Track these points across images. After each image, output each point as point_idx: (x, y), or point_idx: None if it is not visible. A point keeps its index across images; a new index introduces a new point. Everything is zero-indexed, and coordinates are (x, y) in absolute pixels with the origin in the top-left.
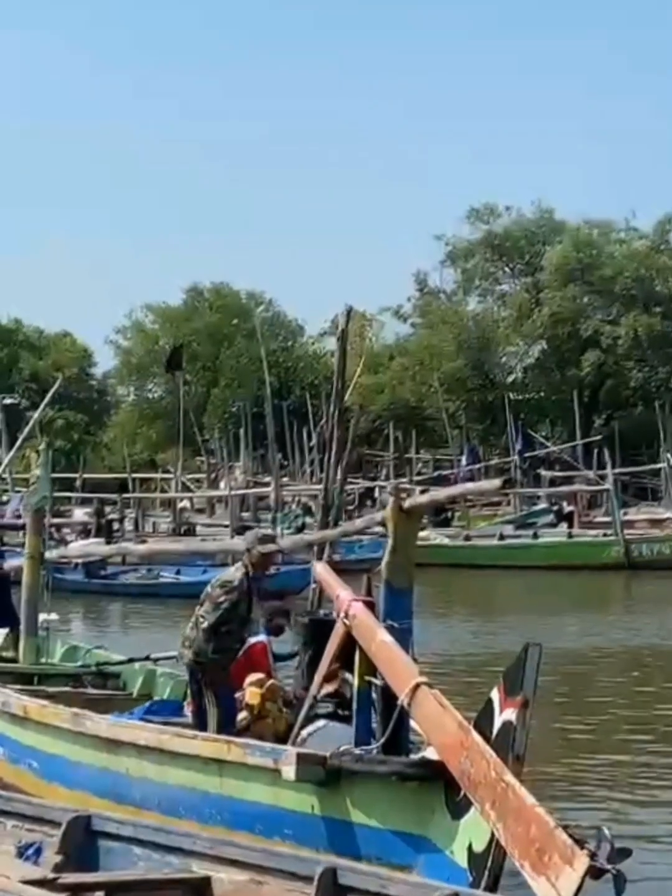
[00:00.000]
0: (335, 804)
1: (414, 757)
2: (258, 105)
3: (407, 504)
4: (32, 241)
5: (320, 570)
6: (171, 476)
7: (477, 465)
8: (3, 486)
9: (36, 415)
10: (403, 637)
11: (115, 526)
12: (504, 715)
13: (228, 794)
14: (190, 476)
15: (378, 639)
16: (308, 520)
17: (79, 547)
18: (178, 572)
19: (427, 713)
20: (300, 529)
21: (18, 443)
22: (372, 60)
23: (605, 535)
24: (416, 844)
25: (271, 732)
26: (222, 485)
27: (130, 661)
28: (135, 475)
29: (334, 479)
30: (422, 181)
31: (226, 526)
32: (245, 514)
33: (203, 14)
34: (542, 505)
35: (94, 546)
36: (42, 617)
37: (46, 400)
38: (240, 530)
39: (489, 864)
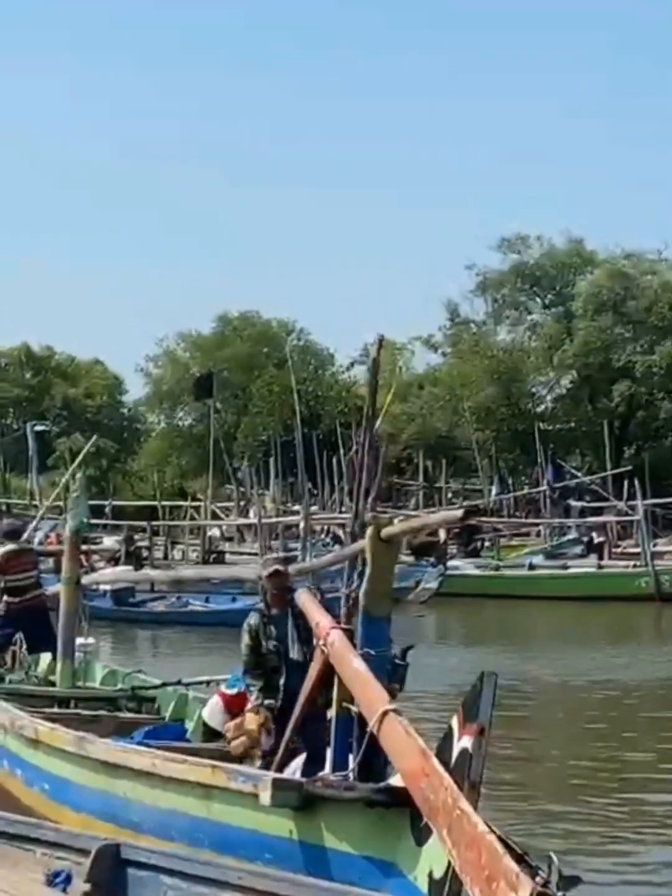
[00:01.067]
0: (310, 830)
1: (383, 783)
2: (290, 136)
3: (384, 533)
4: (64, 269)
5: (303, 597)
6: (200, 504)
7: (506, 495)
8: (33, 513)
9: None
10: (380, 665)
11: (144, 554)
12: (462, 742)
13: (215, 818)
14: (219, 504)
15: (352, 666)
16: (337, 548)
17: (112, 573)
18: (206, 600)
19: (393, 740)
20: None
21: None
22: (403, 86)
23: (635, 565)
24: (384, 870)
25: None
26: (252, 513)
27: (164, 685)
28: (164, 503)
29: (363, 508)
30: (453, 210)
31: (255, 554)
32: (274, 543)
33: (243, 60)
34: (572, 535)
35: (124, 572)
36: (79, 641)
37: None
38: None
39: (446, 891)
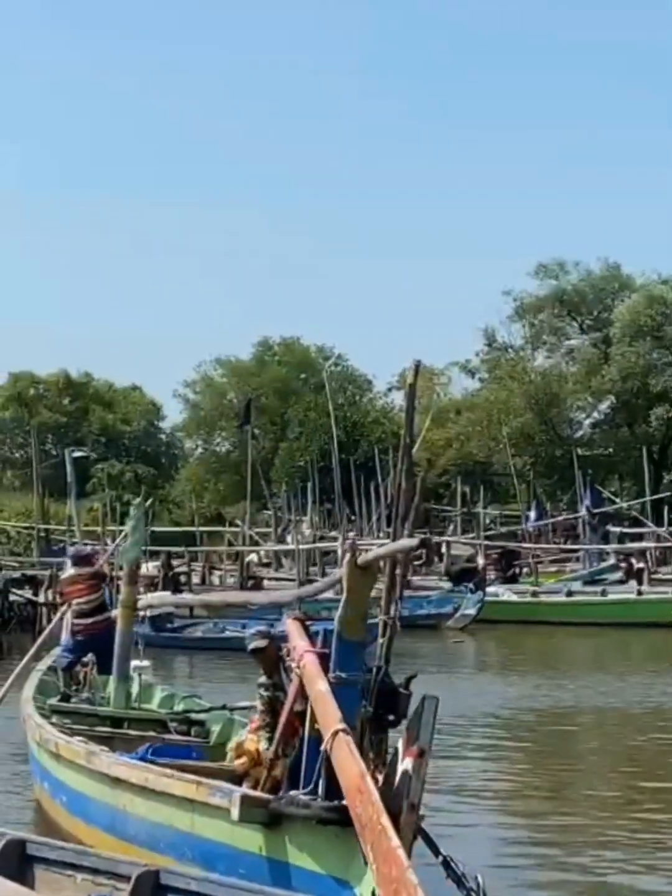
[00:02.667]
0: (276, 846)
1: (336, 802)
2: (327, 161)
3: (361, 560)
4: (102, 295)
5: (288, 626)
6: (238, 529)
7: (544, 521)
8: (71, 538)
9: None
10: (353, 688)
11: (183, 579)
12: (404, 764)
13: (198, 832)
14: (257, 530)
15: (317, 687)
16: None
17: (157, 597)
18: (244, 626)
19: (339, 758)
20: None
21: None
22: (438, 112)
23: None
24: (340, 887)
25: (271, 778)
26: (289, 539)
27: (211, 709)
28: (202, 528)
29: (401, 534)
30: (490, 235)
31: (292, 580)
32: (312, 568)
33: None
34: (611, 561)
35: (166, 596)
36: (134, 663)
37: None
38: (306, 584)
39: None
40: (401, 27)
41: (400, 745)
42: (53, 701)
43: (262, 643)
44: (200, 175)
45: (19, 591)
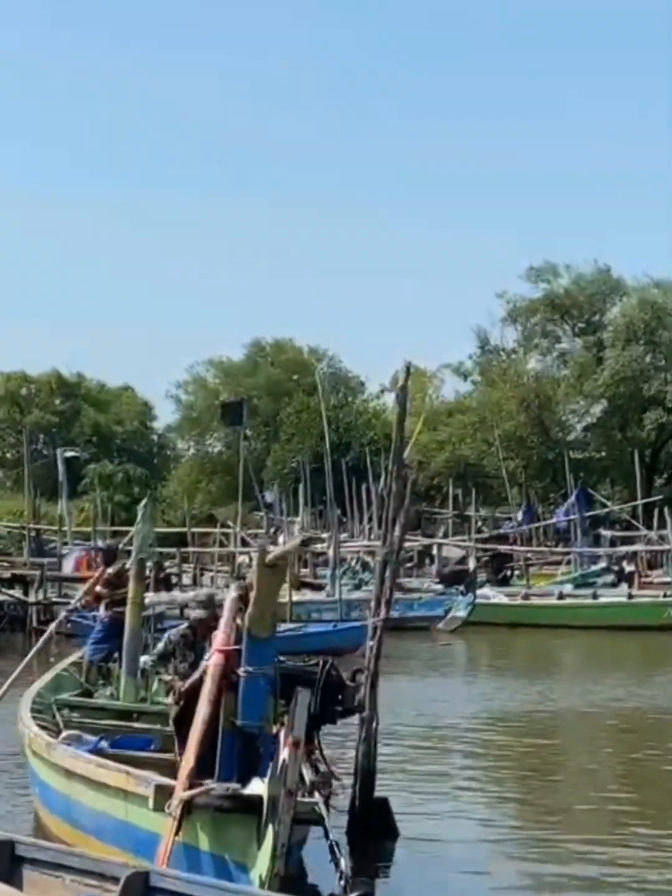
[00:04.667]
0: (191, 833)
1: (231, 791)
2: (320, 162)
3: (268, 559)
4: (95, 295)
5: (229, 599)
6: (229, 530)
7: (535, 524)
8: (62, 538)
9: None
10: (262, 682)
11: (174, 579)
12: (282, 754)
13: (131, 821)
14: (249, 531)
15: (206, 684)
16: (366, 576)
17: (155, 597)
18: None
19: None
20: (358, 586)
21: None
22: (436, 114)
23: (665, 595)
24: (240, 870)
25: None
26: (281, 540)
27: None
28: (194, 529)
29: (391, 535)
30: (483, 238)
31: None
32: (304, 570)
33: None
34: (602, 565)
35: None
36: (144, 659)
37: None
38: (298, 586)
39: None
40: (397, 29)
41: (281, 736)
42: (66, 696)
43: (202, 614)
44: (195, 175)
45: (9, 592)
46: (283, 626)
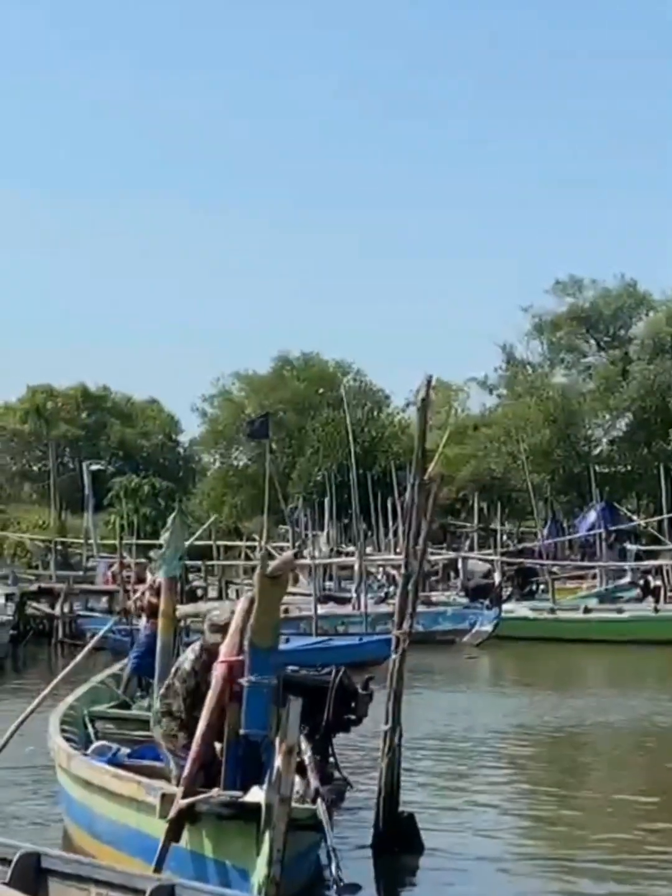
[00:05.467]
0: (197, 840)
1: (231, 799)
2: (345, 177)
3: (270, 570)
4: (121, 308)
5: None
6: (255, 544)
7: (560, 538)
8: (87, 551)
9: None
10: (261, 691)
11: (199, 592)
12: (277, 761)
13: (143, 829)
14: (274, 544)
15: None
16: (392, 589)
17: (183, 609)
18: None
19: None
20: (384, 599)
21: None
22: (456, 125)
23: None
24: (242, 876)
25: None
26: (306, 554)
27: None
28: (219, 542)
29: (415, 549)
30: (509, 252)
31: (309, 595)
32: (329, 584)
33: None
34: (628, 579)
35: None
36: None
37: None
38: (323, 599)
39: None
40: (426, 37)
41: (276, 743)
42: (100, 708)
43: (217, 639)
44: (220, 190)
45: (36, 604)
46: (308, 640)
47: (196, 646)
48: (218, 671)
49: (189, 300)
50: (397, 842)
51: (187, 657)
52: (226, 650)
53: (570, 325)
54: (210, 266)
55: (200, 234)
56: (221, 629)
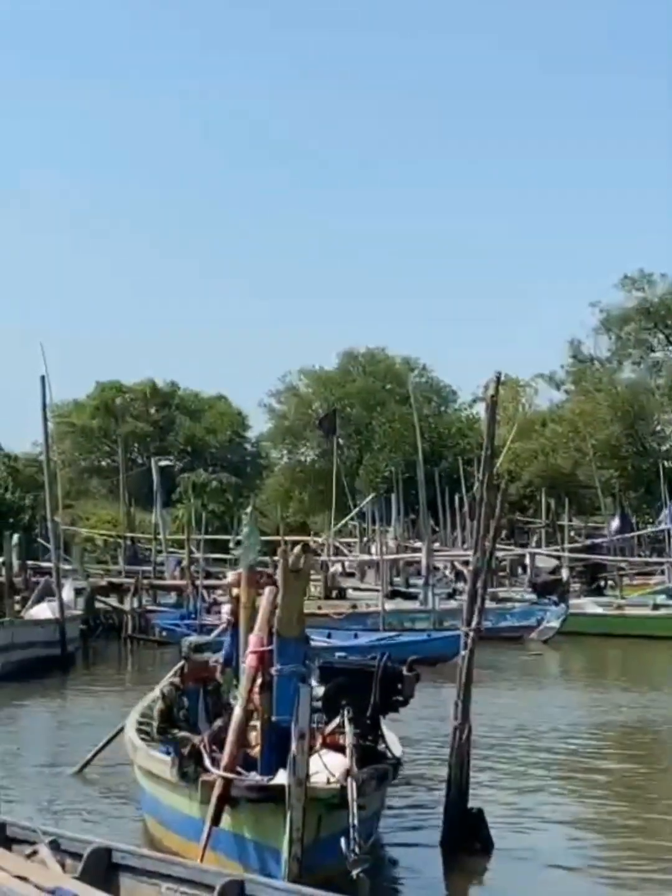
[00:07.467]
0: (237, 823)
1: (258, 782)
2: (413, 171)
3: (291, 564)
4: (190, 305)
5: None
6: (322, 539)
7: (629, 534)
8: (156, 546)
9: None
10: (291, 681)
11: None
12: (293, 748)
13: (195, 816)
14: (341, 540)
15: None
16: (459, 585)
17: None
18: (328, 635)
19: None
20: (452, 595)
21: None
22: (523, 125)
23: None
24: (274, 856)
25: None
26: (374, 549)
27: None
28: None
29: (482, 545)
30: (578, 247)
31: (376, 590)
32: (396, 579)
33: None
34: None
35: None
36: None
37: None
38: (391, 595)
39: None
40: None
41: (292, 732)
42: None
43: (200, 658)
44: (284, 183)
45: (105, 599)
46: (376, 635)
47: (177, 667)
48: (249, 661)
49: (256, 295)
50: (466, 838)
51: (166, 680)
52: (255, 641)
53: (639, 320)
54: (277, 261)
55: (268, 229)
56: (199, 649)
